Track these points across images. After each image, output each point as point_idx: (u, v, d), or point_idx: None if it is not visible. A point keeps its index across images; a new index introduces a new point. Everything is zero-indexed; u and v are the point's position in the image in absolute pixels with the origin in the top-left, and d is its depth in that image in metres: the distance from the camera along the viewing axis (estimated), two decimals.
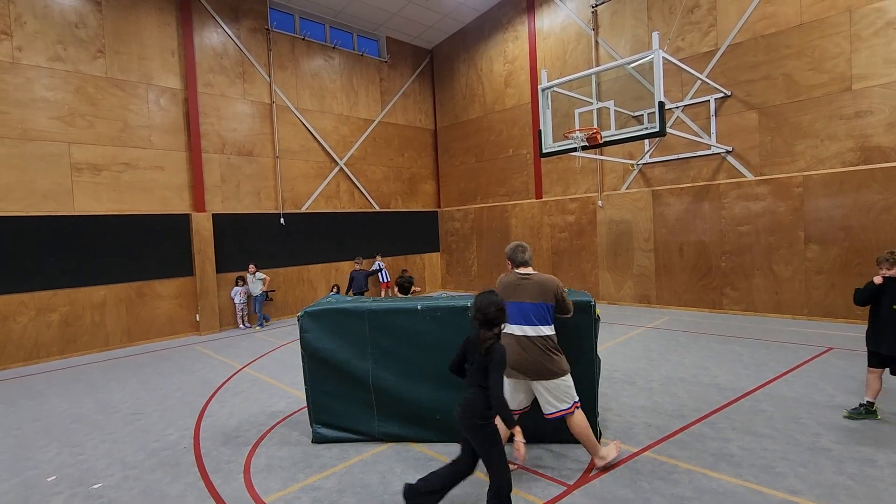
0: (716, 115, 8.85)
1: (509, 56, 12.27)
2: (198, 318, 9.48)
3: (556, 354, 3.35)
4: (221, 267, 9.90)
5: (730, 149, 8.66)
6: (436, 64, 14.19)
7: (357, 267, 10.67)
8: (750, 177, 8.52)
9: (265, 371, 6.59)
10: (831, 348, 6.28)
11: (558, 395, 3.34)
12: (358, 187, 12.46)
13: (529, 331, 3.35)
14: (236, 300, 9.96)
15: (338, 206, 12.09)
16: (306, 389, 4.15)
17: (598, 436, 3.89)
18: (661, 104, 6.10)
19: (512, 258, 3.61)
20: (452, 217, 13.97)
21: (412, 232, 13.73)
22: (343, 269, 12.01)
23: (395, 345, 3.99)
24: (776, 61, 8.14)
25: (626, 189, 10.18)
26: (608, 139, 6.74)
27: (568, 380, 3.37)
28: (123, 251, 8.76)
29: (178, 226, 9.39)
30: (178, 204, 9.47)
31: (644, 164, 9.81)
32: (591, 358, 3.79)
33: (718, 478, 3.33)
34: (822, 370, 5.48)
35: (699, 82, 8.91)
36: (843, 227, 7.58)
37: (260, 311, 10.02)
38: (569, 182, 11.23)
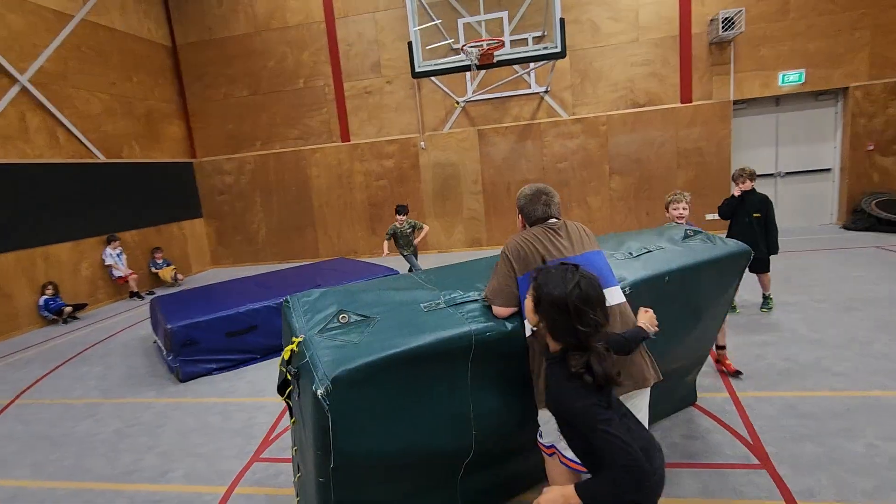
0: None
1: None
2: None
3: None
4: None
5: (546, 88, 9.06)
6: None
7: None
8: (565, 116, 9.19)
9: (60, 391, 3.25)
10: None
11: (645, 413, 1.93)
12: (63, 124, 7.74)
13: (617, 295, 1.98)
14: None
15: (28, 154, 7.25)
16: None
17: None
18: (562, 21, 5.56)
19: (528, 213, 2.10)
20: (220, 169, 10.52)
21: (161, 192, 9.69)
22: (59, 256, 7.47)
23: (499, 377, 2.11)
24: (583, 6, 8.77)
25: (450, 129, 9.59)
26: (502, 58, 5.83)
27: None
28: None
29: None
30: None
31: (468, 101, 9.36)
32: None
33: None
34: None
35: (516, 20, 8.85)
36: (636, 159, 9.05)
37: None
38: (382, 121, 9.82)
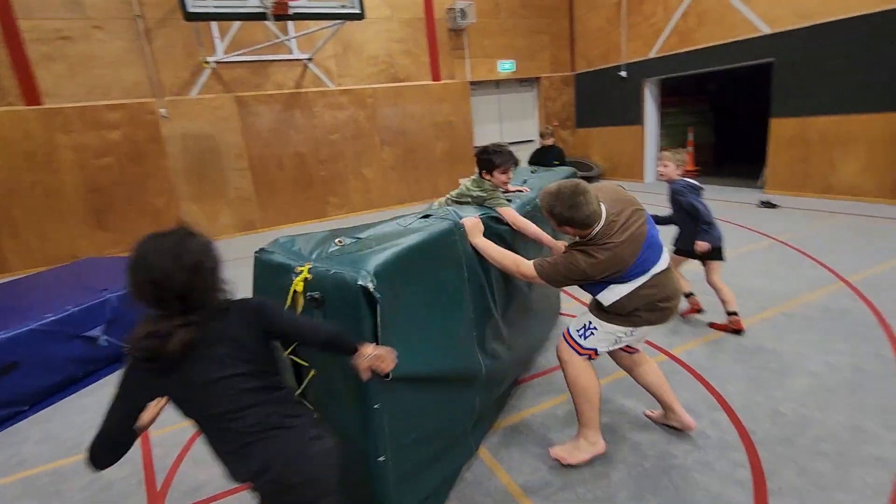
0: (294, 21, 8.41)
1: None
2: None
3: None
4: None
5: (310, 56, 8.63)
6: None
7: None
8: (332, 86, 8.97)
9: None
10: None
11: None
12: None
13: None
14: None
15: None
16: (380, 469, 1.69)
17: None
18: None
19: (577, 219, 1.88)
20: None
21: None
22: None
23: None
24: None
25: (200, 93, 8.04)
26: (299, 11, 5.28)
27: None
28: None
29: None
30: None
31: (219, 62, 8.01)
32: None
33: None
34: None
35: None
36: (402, 131, 9.69)
37: None
38: (95, 79, 7.40)
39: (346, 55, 9.00)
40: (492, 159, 2.46)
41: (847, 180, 6.77)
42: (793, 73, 7.07)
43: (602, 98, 10.58)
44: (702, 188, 3.35)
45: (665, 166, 3.34)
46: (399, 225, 2.06)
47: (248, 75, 8.33)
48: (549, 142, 5.92)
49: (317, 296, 1.55)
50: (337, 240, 1.86)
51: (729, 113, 11.48)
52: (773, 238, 5.39)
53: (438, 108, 9.91)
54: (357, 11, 5.60)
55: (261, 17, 5.09)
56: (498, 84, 10.76)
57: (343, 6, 5.66)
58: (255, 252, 1.76)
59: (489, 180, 2.50)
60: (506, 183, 2.53)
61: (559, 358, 2.24)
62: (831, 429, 2.32)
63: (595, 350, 2.15)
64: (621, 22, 9.67)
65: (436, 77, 9.78)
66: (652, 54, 9.20)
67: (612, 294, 2.02)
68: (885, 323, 3.27)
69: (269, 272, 1.71)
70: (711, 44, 8.08)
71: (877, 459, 2.10)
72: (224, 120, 8.22)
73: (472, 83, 10.26)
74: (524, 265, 2.06)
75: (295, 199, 8.99)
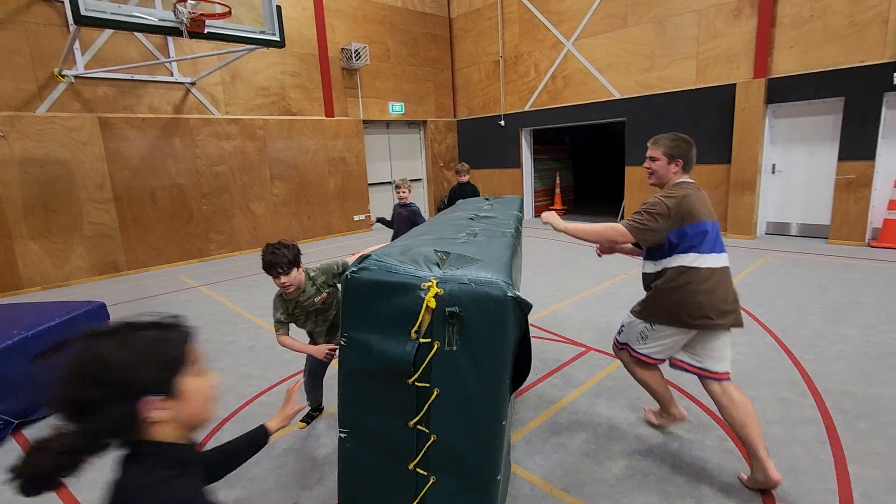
0: (174, 39, 7.64)
1: None
2: None
3: None
4: None
5: (193, 80, 7.89)
6: None
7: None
8: (218, 114, 8.27)
9: None
10: None
11: None
12: None
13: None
14: None
15: None
16: None
17: None
18: (279, 8, 5.29)
19: (690, 158, 2.42)
20: None
21: None
22: None
23: None
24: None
25: (50, 111, 6.71)
26: (214, 31, 4.86)
27: None
28: None
29: None
30: None
31: (78, 75, 6.84)
32: None
33: None
34: None
35: None
36: (294, 165, 9.29)
37: None
38: None
39: (233, 83, 8.43)
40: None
41: None
42: (639, 130, 8.75)
43: (483, 143, 11.60)
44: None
45: (406, 192, 5.02)
46: (462, 234, 2.15)
47: (115, 95, 7.25)
48: (465, 178, 6.19)
49: (456, 310, 1.48)
50: (440, 253, 1.75)
51: (583, 160, 13.52)
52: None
53: (332, 144, 9.78)
54: (277, 39, 5.37)
55: (172, 32, 4.56)
56: (388, 124, 11.08)
57: (262, 31, 5.38)
58: (350, 272, 1.60)
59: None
60: (283, 285, 2.50)
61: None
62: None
63: (639, 352, 2.46)
64: (500, 78, 10.87)
65: (329, 113, 9.70)
66: (527, 108, 10.49)
67: (687, 258, 2.22)
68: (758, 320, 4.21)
69: (378, 294, 1.56)
70: (576, 103, 9.58)
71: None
72: (82, 144, 6.96)
73: (365, 122, 10.40)
74: (617, 227, 2.27)
75: (172, 235, 7.90)
